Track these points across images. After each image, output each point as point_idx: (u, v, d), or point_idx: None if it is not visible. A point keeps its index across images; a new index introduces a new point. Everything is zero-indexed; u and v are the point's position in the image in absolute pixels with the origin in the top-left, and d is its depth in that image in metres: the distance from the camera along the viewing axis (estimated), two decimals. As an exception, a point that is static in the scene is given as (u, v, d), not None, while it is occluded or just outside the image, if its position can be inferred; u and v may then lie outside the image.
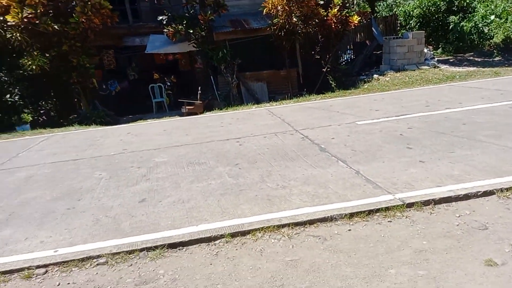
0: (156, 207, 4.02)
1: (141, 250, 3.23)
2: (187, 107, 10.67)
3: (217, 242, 3.33)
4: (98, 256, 3.17)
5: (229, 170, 4.97)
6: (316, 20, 11.62)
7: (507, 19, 16.10)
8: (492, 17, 16.30)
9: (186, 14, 11.81)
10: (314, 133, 6.43)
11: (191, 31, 11.45)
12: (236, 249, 3.20)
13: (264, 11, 11.43)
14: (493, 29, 16.15)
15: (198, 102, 10.93)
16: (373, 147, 5.38)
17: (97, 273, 3.01)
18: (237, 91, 11.91)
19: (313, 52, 13.32)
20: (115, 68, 13.76)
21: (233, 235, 3.38)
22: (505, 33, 15.55)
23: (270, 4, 11.26)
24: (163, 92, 12.58)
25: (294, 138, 6.22)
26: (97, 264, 3.10)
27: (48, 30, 9.88)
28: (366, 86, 11.29)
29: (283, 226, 3.47)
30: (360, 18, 12.43)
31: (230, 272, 2.89)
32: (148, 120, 9.67)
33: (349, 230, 3.38)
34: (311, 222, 3.51)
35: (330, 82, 12.38)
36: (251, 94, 12.05)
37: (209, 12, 11.47)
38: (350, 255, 3.01)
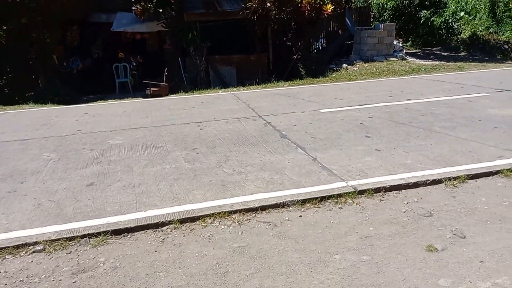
0: (104, 191, 3.85)
1: (83, 236, 3.08)
2: (151, 88, 10.35)
3: (164, 228, 3.23)
4: (35, 243, 3.00)
5: (186, 154, 4.85)
6: (290, 7, 11.48)
7: (475, 16, 16.54)
8: (462, 13, 16.69)
9: (157, -8, 11.36)
10: (277, 119, 6.38)
11: (161, 10, 11.06)
12: (184, 236, 3.12)
13: (238, -6, 11.18)
14: (461, 25, 16.56)
15: (164, 84, 10.62)
16: (333, 134, 5.39)
17: (32, 261, 2.84)
18: (205, 74, 11.66)
19: (285, 39, 13.19)
20: (78, 45, 13.14)
21: (182, 221, 3.29)
22: (472, 30, 16.00)
23: (244, -13, 11.03)
24: (128, 72, 12.16)
25: (257, 124, 6.14)
26: (33, 252, 2.93)
27: (5, 1, 9.24)
28: (334, 75, 11.34)
29: (235, 212, 3.41)
30: (334, 7, 12.37)
31: (175, 259, 2.81)
32: (109, 100, 9.32)
33: (300, 216, 3.36)
34: (263, 208, 3.47)
35: (300, 69, 12.33)
36: (220, 78, 11.84)
37: (181, -8, 11.10)
38: (298, 241, 2.99)
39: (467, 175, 3.88)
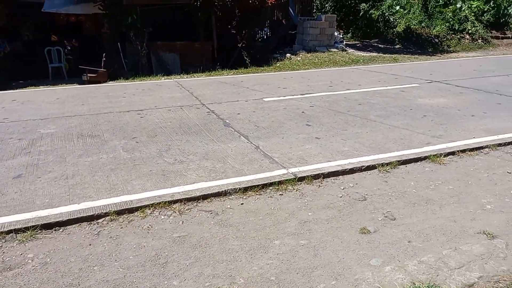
0: (34, 183, 3.60)
1: (8, 232, 2.87)
2: (88, 74, 9.77)
3: (100, 220, 3.09)
4: (-48, 241, 2.73)
5: (124, 143, 4.66)
6: (234, -6, 11.38)
7: (409, 10, 17.51)
8: (397, 7, 17.57)
9: (93, -29, 10.70)
10: (221, 107, 6.33)
11: (97, -9, 10.45)
12: (121, 228, 3.01)
13: (180, -21, 10.85)
14: (397, 18, 17.44)
15: (102, 70, 10.08)
16: (276, 123, 5.46)
17: None
18: (147, 60, 11.24)
19: (229, 27, 13.08)
20: (5, 26, 12.01)
21: (119, 212, 3.17)
22: (407, 23, 16.92)
23: (186, -29, 10.73)
24: (62, 56, 11.37)
25: (200, 112, 6.05)
26: (-51, 250, 2.67)
27: None
28: (278, 64, 11.46)
29: (175, 202, 3.35)
30: (263, -4, 12.44)
31: (111, 252, 2.70)
32: (41, 86, 8.66)
33: (242, 204, 3.38)
34: (204, 197, 3.45)
35: (245, 58, 12.32)
36: (162, 65, 11.48)
37: (119, -27, 10.51)
38: (239, 228, 3.01)
39: (398, 161, 4.13)
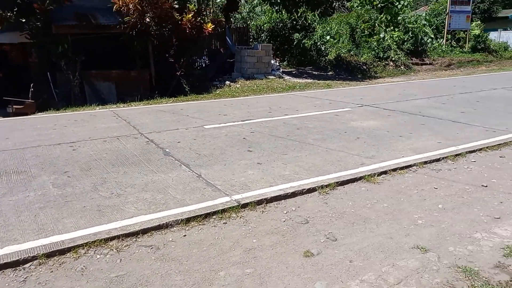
0: None
1: None
2: (14, 106, 9.10)
3: (27, 265, 2.81)
4: None
5: (55, 179, 4.35)
6: (170, 24, 11.40)
7: (339, 40, 18.77)
8: (328, 37, 18.79)
9: (19, 0, 10.16)
10: (160, 136, 6.19)
11: (24, 20, 9.91)
12: (51, 272, 2.76)
13: (114, 7, 10.67)
14: (328, 47, 18.57)
15: (30, 101, 9.45)
16: (217, 150, 5.44)
17: None
18: (80, 90, 10.76)
19: (167, 55, 13.01)
20: None
21: (49, 255, 2.91)
22: (337, 52, 18.07)
23: (121, 1, 10.58)
24: (-17, 88, 10.50)
25: (138, 142, 5.86)
26: None
27: None
28: (218, 92, 11.57)
29: (112, 238, 3.16)
30: (214, 26, 12.68)
31: (39, 300, 2.45)
32: (-43, 121, 7.91)
33: (184, 236, 3.27)
34: (144, 231, 3.29)
35: (184, 86, 12.27)
36: (97, 95, 11.04)
37: (48, 1, 10.09)
38: (182, 262, 2.89)
39: (337, 182, 4.28)
